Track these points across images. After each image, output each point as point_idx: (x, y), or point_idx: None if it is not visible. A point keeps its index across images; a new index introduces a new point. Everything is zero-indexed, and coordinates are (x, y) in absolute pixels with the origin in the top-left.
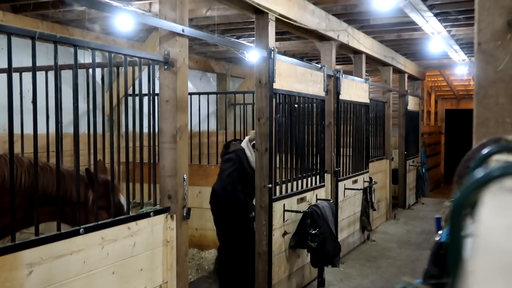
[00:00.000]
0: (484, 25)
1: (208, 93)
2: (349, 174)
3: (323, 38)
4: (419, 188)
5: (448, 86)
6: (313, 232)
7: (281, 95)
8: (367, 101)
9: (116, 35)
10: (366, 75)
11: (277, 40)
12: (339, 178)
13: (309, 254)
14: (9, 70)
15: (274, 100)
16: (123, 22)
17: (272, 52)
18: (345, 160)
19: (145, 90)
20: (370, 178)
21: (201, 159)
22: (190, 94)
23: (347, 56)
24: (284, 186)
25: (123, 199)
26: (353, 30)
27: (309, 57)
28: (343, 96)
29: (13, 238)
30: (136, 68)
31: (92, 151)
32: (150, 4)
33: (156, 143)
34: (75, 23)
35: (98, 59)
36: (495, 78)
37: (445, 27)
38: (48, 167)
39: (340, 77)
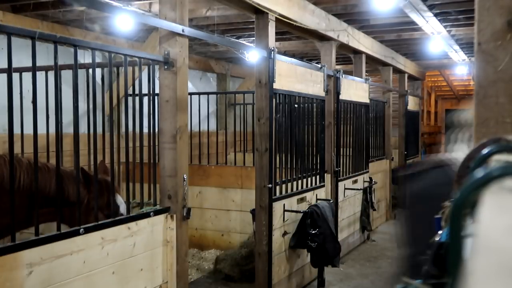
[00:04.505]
0: (484, 25)
1: (208, 93)
2: (349, 174)
3: (323, 38)
4: None
5: (448, 86)
6: (313, 232)
7: (281, 95)
8: (367, 101)
9: (116, 35)
10: (366, 75)
11: (277, 40)
12: (339, 178)
13: (309, 254)
14: (9, 70)
15: (274, 100)
16: (123, 22)
17: (272, 52)
18: (345, 160)
19: (145, 90)
20: (370, 178)
21: (201, 159)
22: (190, 94)
23: (347, 56)
24: (284, 186)
25: (120, 200)
26: (353, 30)
27: (309, 57)
28: (343, 96)
29: (13, 238)
30: (136, 68)
31: (92, 151)
32: (150, 4)
33: (156, 143)
34: (75, 23)
35: (98, 59)
36: (495, 78)
37: (445, 27)
38: (46, 167)
39: (340, 77)
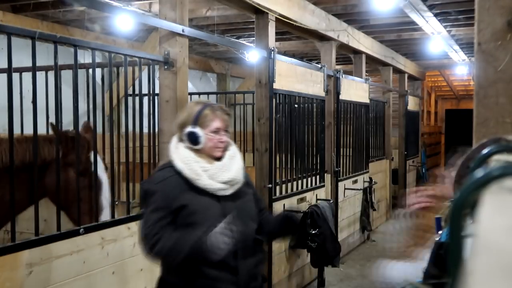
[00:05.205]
0: (484, 25)
1: (208, 93)
2: (349, 174)
3: (323, 38)
4: None
5: (448, 86)
6: (313, 232)
7: (281, 95)
8: (367, 101)
9: (116, 35)
10: (366, 75)
11: (277, 40)
12: (339, 178)
13: (309, 254)
14: (9, 70)
15: (274, 100)
16: (123, 22)
17: (272, 52)
18: (345, 160)
19: (145, 90)
20: (370, 178)
21: None
22: (190, 94)
23: (347, 56)
24: (284, 186)
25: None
26: (353, 30)
27: (309, 57)
28: (343, 96)
29: (13, 238)
30: (136, 68)
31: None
32: (150, 4)
33: (156, 143)
34: (75, 23)
35: (98, 59)
36: (495, 78)
37: (445, 27)
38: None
39: (340, 77)
